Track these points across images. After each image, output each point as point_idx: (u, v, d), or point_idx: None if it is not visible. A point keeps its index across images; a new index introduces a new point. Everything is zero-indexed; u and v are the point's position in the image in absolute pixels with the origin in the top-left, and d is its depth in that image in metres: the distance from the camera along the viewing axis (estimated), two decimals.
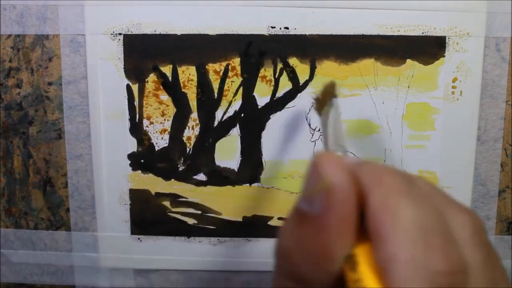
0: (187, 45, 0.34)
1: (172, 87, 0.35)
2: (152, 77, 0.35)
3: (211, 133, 0.36)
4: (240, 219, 0.37)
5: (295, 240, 0.15)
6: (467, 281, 0.14)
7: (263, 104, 0.35)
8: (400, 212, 0.14)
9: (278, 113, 0.35)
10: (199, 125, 0.36)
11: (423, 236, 0.13)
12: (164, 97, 0.35)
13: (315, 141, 0.35)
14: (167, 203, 0.37)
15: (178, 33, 0.34)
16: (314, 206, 0.15)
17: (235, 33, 0.34)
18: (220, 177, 0.36)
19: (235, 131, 0.36)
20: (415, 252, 0.13)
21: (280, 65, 0.34)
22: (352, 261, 0.14)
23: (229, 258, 0.37)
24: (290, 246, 0.15)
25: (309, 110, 0.35)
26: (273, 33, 0.34)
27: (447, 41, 0.34)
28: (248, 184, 0.36)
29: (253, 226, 0.37)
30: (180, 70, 0.35)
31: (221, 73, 0.35)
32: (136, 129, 0.36)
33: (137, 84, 0.35)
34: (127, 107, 0.35)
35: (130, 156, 0.36)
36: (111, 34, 0.34)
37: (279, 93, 0.35)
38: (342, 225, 0.14)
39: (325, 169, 0.15)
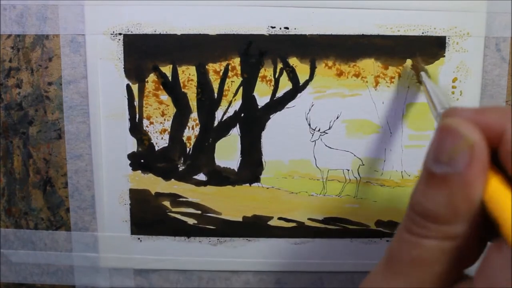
0: (187, 45, 0.34)
1: (172, 87, 0.35)
2: (152, 77, 0.35)
3: (211, 133, 0.36)
4: (240, 219, 0.37)
5: (441, 202, 0.16)
6: None
7: (263, 104, 0.35)
8: None
9: (278, 113, 0.35)
10: (199, 125, 0.36)
11: None
12: (164, 97, 0.35)
13: (315, 141, 0.35)
14: (167, 203, 0.37)
15: (178, 33, 0.34)
16: (456, 166, 0.16)
17: (235, 33, 0.34)
18: (220, 177, 0.36)
19: (235, 131, 0.36)
20: None
21: (280, 65, 0.34)
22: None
23: (229, 258, 0.37)
24: (438, 210, 0.16)
25: (309, 110, 0.35)
26: (273, 33, 0.34)
27: (447, 41, 0.34)
28: (248, 184, 0.36)
29: (253, 226, 0.37)
30: (180, 70, 0.35)
31: (221, 73, 0.35)
32: (136, 129, 0.36)
33: (137, 84, 0.35)
34: (127, 107, 0.35)
35: (130, 156, 0.36)
36: (111, 34, 0.34)
37: (279, 93, 0.35)
38: (483, 174, 0.16)
39: (462, 131, 0.16)
